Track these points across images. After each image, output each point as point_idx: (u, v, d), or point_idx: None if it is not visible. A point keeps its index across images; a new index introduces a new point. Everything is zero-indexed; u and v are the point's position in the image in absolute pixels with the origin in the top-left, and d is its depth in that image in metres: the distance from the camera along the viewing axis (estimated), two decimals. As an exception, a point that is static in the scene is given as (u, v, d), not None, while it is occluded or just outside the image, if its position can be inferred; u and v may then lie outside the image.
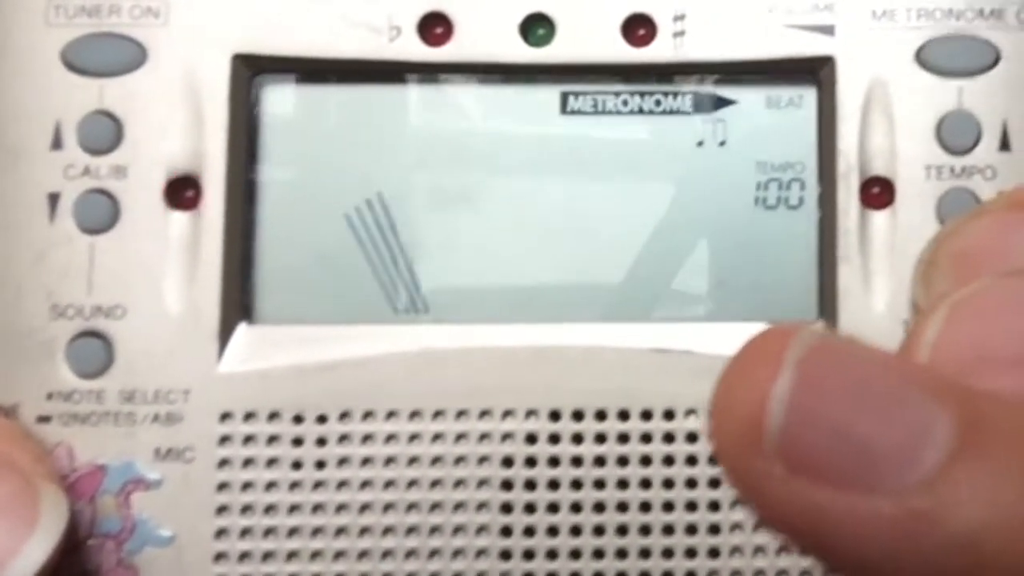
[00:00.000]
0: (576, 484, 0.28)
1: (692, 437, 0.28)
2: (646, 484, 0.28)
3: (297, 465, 0.28)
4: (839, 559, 0.17)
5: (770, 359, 0.17)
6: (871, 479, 0.17)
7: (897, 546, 0.17)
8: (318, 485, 0.28)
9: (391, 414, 0.28)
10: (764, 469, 0.17)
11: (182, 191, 0.29)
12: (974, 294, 0.19)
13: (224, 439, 0.28)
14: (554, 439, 0.28)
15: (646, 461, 0.28)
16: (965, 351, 0.19)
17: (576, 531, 0.28)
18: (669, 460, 0.28)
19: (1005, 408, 0.18)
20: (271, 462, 0.28)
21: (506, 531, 0.28)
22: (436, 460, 0.28)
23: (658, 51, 0.29)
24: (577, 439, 0.28)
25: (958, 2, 0.29)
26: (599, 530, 0.28)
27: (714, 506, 0.28)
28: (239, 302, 0.29)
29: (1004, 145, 0.28)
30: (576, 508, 0.28)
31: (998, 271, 0.20)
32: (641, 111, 0.29)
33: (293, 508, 0.28)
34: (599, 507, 0.28)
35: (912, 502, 0.17)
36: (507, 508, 0.28)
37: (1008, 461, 0.17)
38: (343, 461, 0.28)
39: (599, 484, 0.28)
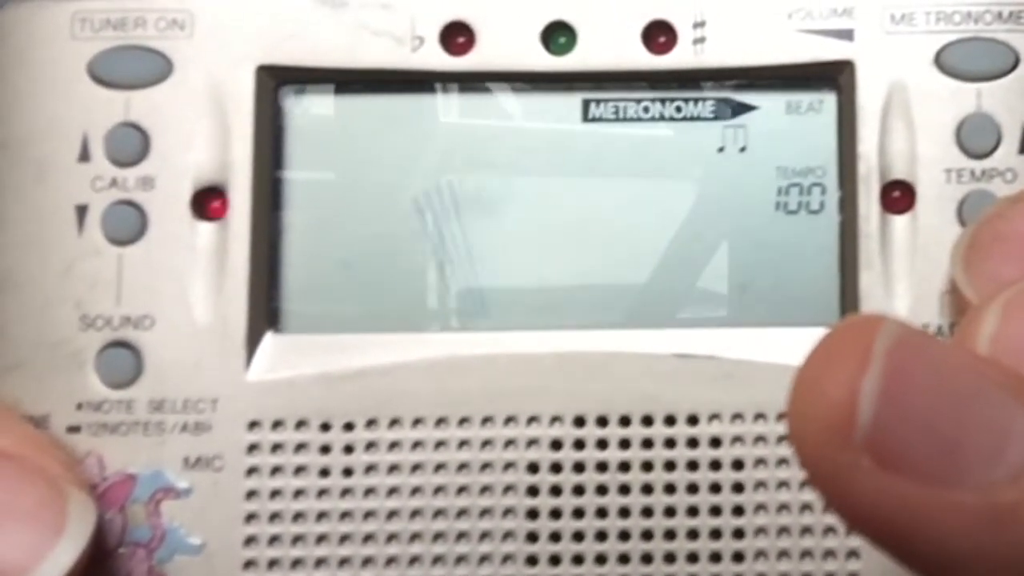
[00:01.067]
0: (601, 489, 0.28)
1: (716, 441, 0.28)
2: (670, 489, 0.28)
3: (325, 472, 0.28)
4: (922, 554, 0.17)
5: (857, 350, 0.17)
6: (957, 473, 0.17)
7: (981, 540, 0.17)
8: (345, 492, 0.28)
9: (417, 421, 0.28)
10: (851, 462, 0.17)
11: (209, 201, 0.29)
12: None
13: (252, 447, 0.28)
14: (579, 445, 0.28)
15: (670, 466, 0.28)
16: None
17: (602, 536, 0.28)
18: (693, 465, 0.28)
19: None
20: (299, 470, 0.28)
21: (532, 537, 0.28)
22: (462, 466, 0.28)
23: (679, 58, 0.29)
24: (602, 444, 0.28)
25: (977, 5, 0.29)
26: (624, 535, 0.28)
27: (738, 510, 0.28)
28: (266, 311, 0.29)
29: None
30: (601, 513, 0.28)
31: None
32: (662, 117, 0.30)
33: (321, 515, 0.28)
34: (624, 512, 0.28)
35: (997, 497, 0.17)
36: (533, 514, 0.28)
37: None
38: (370, 468, 0.28)
39: (624, 489, 0.28)
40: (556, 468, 0.28)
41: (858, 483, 0.17)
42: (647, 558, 0.28)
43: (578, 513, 0.28)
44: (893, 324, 0.18)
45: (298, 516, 0.28)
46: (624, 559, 0.28)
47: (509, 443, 0.28)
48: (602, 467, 0.28)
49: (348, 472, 0.28)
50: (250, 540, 0.28)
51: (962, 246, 0.22)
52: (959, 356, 0.18)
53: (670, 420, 0.28)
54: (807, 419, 0.17)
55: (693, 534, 0.28)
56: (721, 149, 0.29)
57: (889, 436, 0.17)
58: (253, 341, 0.29)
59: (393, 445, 0.28)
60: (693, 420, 0.28)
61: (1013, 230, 0.21)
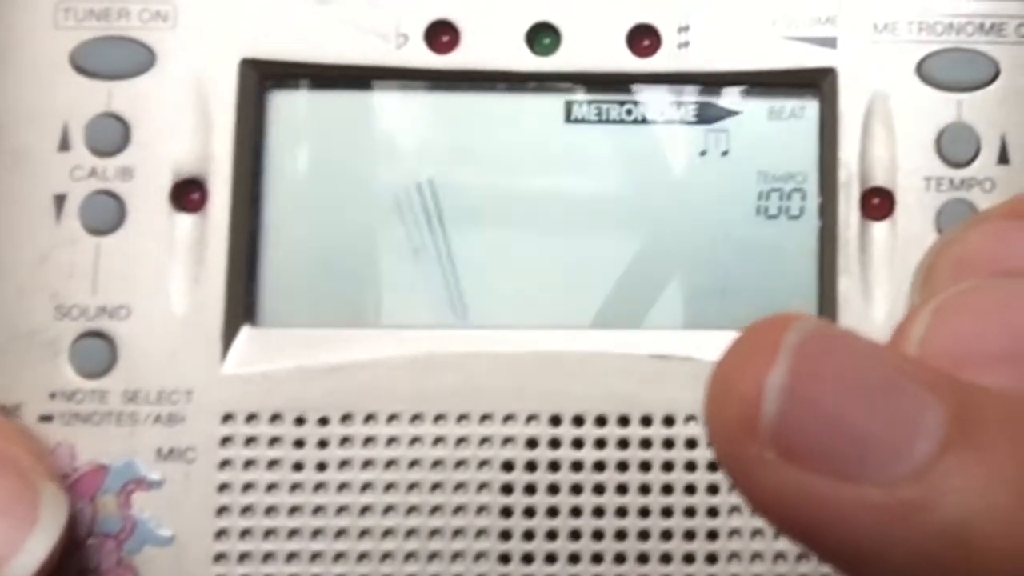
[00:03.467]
0: (576, 488, 0.28)
1: (691, 443, 0.28)
2: (645, 489, 0.28)
3: (298, 467, 0.28)
4: (829, 547, 0.18)
5: (767, 346, 0.17)
6: (863, 468, 0.17)
7: (886, 535, 0.17)
8: (319, 487, 0.28)
9: (392, 417, 0.28)
10: (757, 455, 0.17)
11: (188, 193, 0.29)
12: (961, 292, 0.20)
13: (226, 440, 0.28)
14: (554, 444, 0.28)
15: (645, 466, 0.28)
16: (953, 347, 0.19)
17: (575, 535, 0.28)
18: (668, 466, 0.28)
19: (996, 400, 0.18)
20: (272, 463, 0.28)
21: (505, 534, 0.28)
22: (437, 463, 0.28)
23: (662, 61, 0.29)
24: (577, 444, 0.28)
25: (959, 16, 0.29)
26: (598, 534, 0.28)
27: (712, 512, 0.28)
28: (243, 304, 0.29)
29: (1003, 158, 0.28)
30: (575, 512, 0.28)
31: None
32: (644, 120, 0.30)
33: (294, 509, 0.28)
34: (598, 511, 0.28)
35: (903, 491, 0.17)
36: (507, 512, 0.28)
37: (998, 452, 0.17)
38: (344, 463, 0.28)
39: (599, 489, 0.28)
40: (531, 467, 0.28)
41: (764, 476, 0.17)
42: (620, 558, 0.28)
43: (552, 512, 0.28)
44: (806, 321, 0.18)
45: (270, 510, 0.28)
46: (597, 558, 0.28)
47: (484, 441, 0.28)
48: (577, 466, 0.28)
49: (322, 467, 0.28)
50: (221, 533, 0.28)
51: (921, 270, 0.22)
52: (874, 351, 0.18)
53: (646, 421, 0.28)
54: (718, 413, 0.18)
55: (667, 535, 0.28)
56: (703, 153, 0.30)
57: (793, 430, 0.17)
58: (229, 334, 0.28)
59: (368, 440, 0.28)
60: (669, 421, 0.28)
61: (970, 254, 0.21)
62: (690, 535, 0.28)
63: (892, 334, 0.20)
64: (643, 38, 0.29)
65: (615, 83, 0.30)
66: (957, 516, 0.17)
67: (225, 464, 0.28)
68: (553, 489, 0.28)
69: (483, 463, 0.28)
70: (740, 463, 0.18)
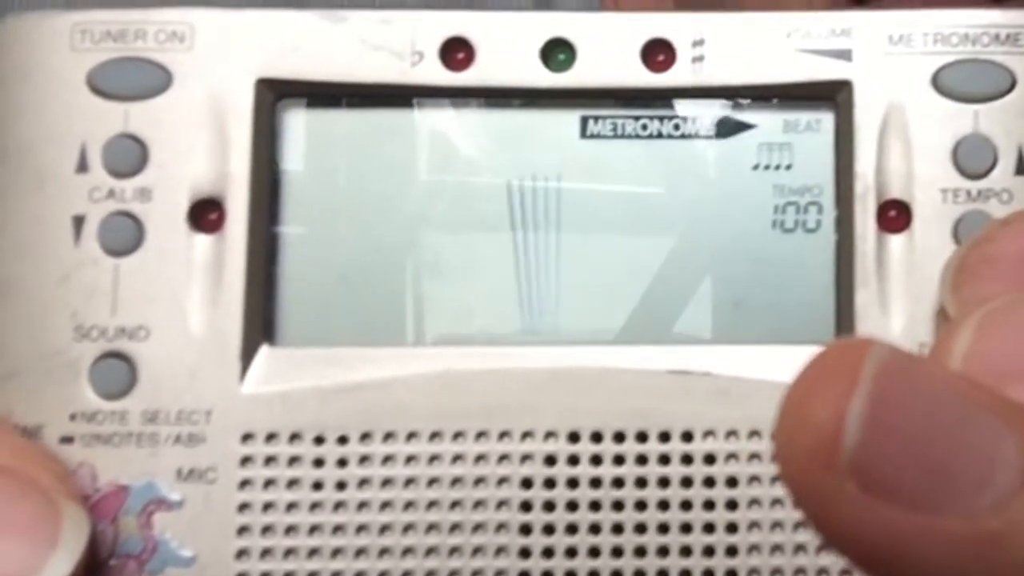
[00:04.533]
0: (595, 505, 0.28)
1: (710, 458, 0.28)
2: (664, 506, 0.28)
3: (318, 486, 0.28)
4: None
5: (845, 373, 0.17)
6: (944, 499, 0.17)
7: (965, 567, 0.17)
8: (339, 506, 0.28)
9: (411, 435, 0.28)
10: (836, 486, 0.17)
11: (206, 214, 0.29)
12: (1003, 307, 0.19)
13: (246, 460, 0.28)
14: (573, 460, 0.28)
15: (664, 483, 0.28)
16: (997, 364, 0.19)
17: (595, 552, 0.28)
18: (687, 481, 0.28)
19: None
20: (292, 483, 0.28)
21: (525, 552, 0.28)
22: (456, 481, 0.28)
23: (677, 76, 0.29)
24: (596, 460, 0.28)
25: (974, 27, 0.29)
26: (617, 551, 0.28)
27: (732, 527, 0.28)
28: (261, 324, 0.29)
29: (1020, 169, 0.28)
30: (595, 529, 0.28)
31: (1017, 281, 0.20)
32: (660, 135, 0.30)
33: (314, 529, 0.28)
34: (617, 528, 0.28)
35: (984, 523, 0.17)
36: (526, 529, 0.28)
37: None
38: (364, 482, 0.28)
39: (617, 505, 0.28)
40: (550, 483, 0.28)
41: (842, 507, 0.17)
42: (640, 574, 0.28)
43: (571, 529, 0.28)
44: (882, 347, 0.18)
45: (290, 529, 0.28)
46: (617, 575, 0.28)
47: (503, 458, 0.28)
48: (596, 483, 0.28)
49: (341, 485, 0.28)
50: (242, 553, 0.28)
51: (951, 268, 0.22)
52: (948, 380, 0.18)
53: (664, 436, 0.28)
54: (793, 441, 0.17)
55: (687, 551, 0.28)
56: (719, 167, 0.29)
57: (875, 461, 0.17)
58: (248, 354, 0.29)
59: (387, 459, 0.28)
60: (688, 437, 0.28)
61: (1001, 252, 0.21)
62: (709, 551, 0.28)
63: (932, 348, 0.20)
64: (658, 53, 0.29)
65: (630, 98, 0.30)
66: None
67: (245, 484, 0.28)
68: (572, 506, 0.28)
69: (502, 480, 0.28)
70: (816, 494, 0.17)
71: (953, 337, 0.19)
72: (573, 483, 0.28)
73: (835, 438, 0.17)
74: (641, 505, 0.28)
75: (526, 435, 0.28)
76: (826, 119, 0.29)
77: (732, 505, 0.28)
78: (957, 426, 0.17)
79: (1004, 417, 0.17)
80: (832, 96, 0.29)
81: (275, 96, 0.30)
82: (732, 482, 0.28)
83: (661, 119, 0.30)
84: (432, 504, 0.28)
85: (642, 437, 0.28)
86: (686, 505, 0.28)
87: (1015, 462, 0.17)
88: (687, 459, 0.28)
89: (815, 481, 0.17)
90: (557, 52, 0.29)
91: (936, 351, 0.19)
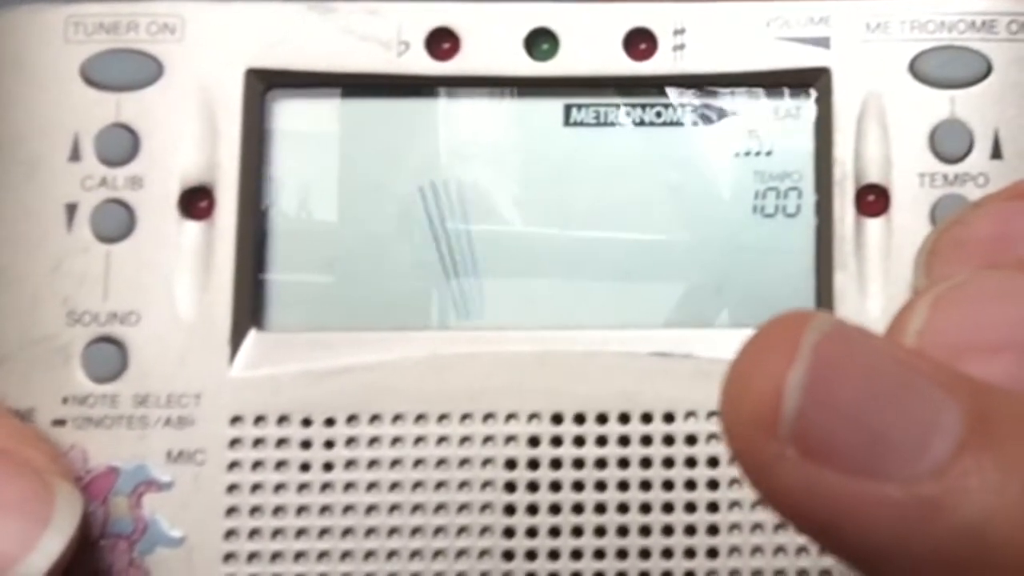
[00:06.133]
0: (578, 486, 0.28)
1: (691, 439, 0.28)
2: (646, 486, 0.28)
3: (305, 467, 0.28)
4: (847, 544, 0.18)
5: (787, 344, 0.18)
6: (882, 465, 0.17)
7: (904, 532, 0.17)
8: (325, 487, 0.28)
9: (397, 417, 0.28)
10: (777, 452, 0.17)
11: (196, 201, 0.29)
12: (957, 285, 0.20)
13: (234, 442, 0.28)
14: (556, 442, 0.28)
15: (646, 463, 0.28)
16: (950, 338, 0.19)
17: (577, 532, 0.28)
18: (669, 462, 0.28)
19: (1009, 399, 0.18)
20: (280, 464, 0.28)
21: (509, 532, 0.28)
22: (441, 462, 0.28)
23: (659, 64, 0.30)
24: (579, 442, 0.28)
25: (950, 14, 0.29)
26: (600, 531, 0.28)
27: (712, 507, 0.28)
28: (250, 309, 0.29)
29: (996, 153, 0.29)
30: (578, 509, 0.28)
31: (995, 259, 0.21)
32: (642, 122, 0.30)
33: (301, 509, 0.28)
34: (600, 508, 0.28)
35: (921, 489, 0.17)
36: (510, 509, 0.28)
37: (1016, 451, 0.17)
38: (350, 463, 0.28)
39: (600, 486, 0.28)
40: (533, 464, 0.28)
41: (784, 474, 0.17)
42: (622, 553, 0.28)
43: (554, 509, 0.28)
44: (824, 318, 0.18)
45: (278, 510, 0.28)
46: (600, 554, 0.28)
47: (487, 439, 0.28)
48: (579, 464, 0.28)
49: (328, 467, 0.28)
50: (230, 533, 0.28)
51: (924, 251, 0.22)
52: (890, 349, 0.18)
53: (647, 417, 0.28)
54: (736, 410, 0.18)
55: (668, 530, 0.28)
56: (700, 153, 0.30)
57: (813, 427, 0.17)
58: (237, 338, 0.29)
59: (373, 441, 0.28)
60: (669, 418, 0.28)
61: (972, 235, 0.22)
62: (691, 530, 0.28)
63: (889, 325, 0.20)
64: (639, 42, 0.30)
65: (613, 87, 0.30)
66: (974, 514, 0.17)
67: (234, 465, 0.28)
68: (555, 486, 0.28)
69: (486, 461, 0.28)
70: (758, 461, 0.18)
71: (908, 314, 0.19)
72: (556, 464, 0.28)
73: (775, 406, 0.17)
74: (623, 485, 0.28)
75: (510, 417, 0.28)
76: (805, 106, 0.30)
77: (713, 485, 0.28)
78: (897, 394, 0.17)
79: (945, 386, 0.18)
80: (811, 83, 0.30)
81: (264, 86, 0.30)
82: (713, 462, 0.28)
83: (643, 107, 0.30)
84: (417, 485, 0.28)
85: (624, 418, 0.28)
86: (668, 485, 0.28)
87: (954, 429, 0.17)
88: (669, 440, 0.28)
89: (757, 448, 0.17)
90: (541, 41, 0.30)
91: (892, 327, 0.20)
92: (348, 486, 0.28)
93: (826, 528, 0.18)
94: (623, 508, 0.28)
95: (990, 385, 0.18)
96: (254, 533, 0.28)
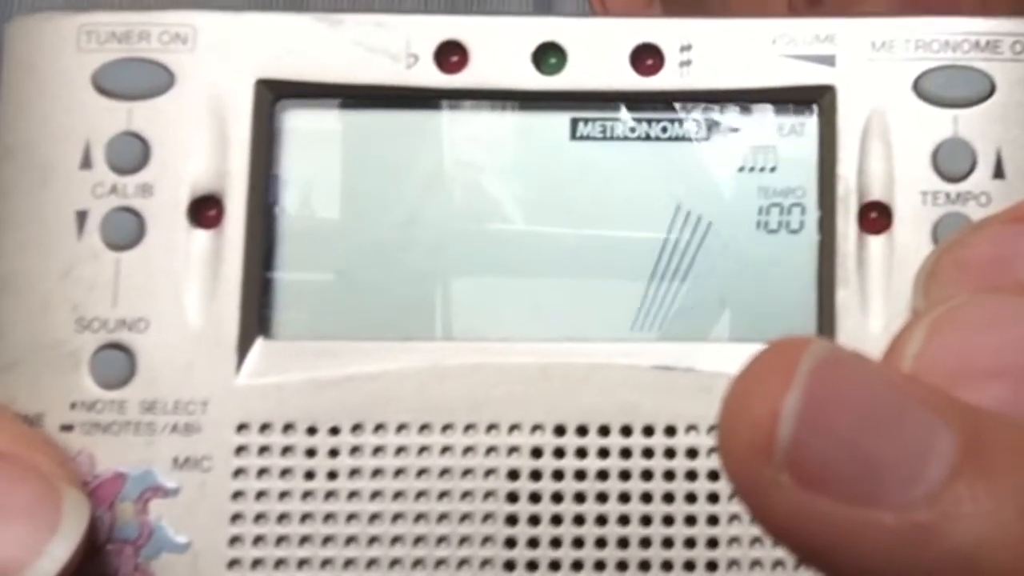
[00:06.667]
0: (579, 497, 0.28)
1: (692, 452, 0.28)
2: (647, 498, 0.28)
3: (310, 475, 0.29)
4: (841, 570, 0.18)
5: (782, 370, 0.18)
6: (876, 492, 0.17)
7: (898, 559, 0.17)
8: (330, 495, 0.29)
9: (401, 427, 0.29)
10: (771, 479, 0.18)
11: (205, 210, 0.30)
12: (954, 308, 0.20)
13: (240, 449, 0.29)
14: (559, 453, 0.29)
15: (647, 475, 0.28)
16: (946, 364, 0.19)
17: (579, 543, 0.28)
18: (670, 475, 0.28)
19: (1004, 426, 0.18)
20: (285, 472, 0.29)
21: (511, 542, 0.28)
22: (444, 472, 0.29)
23: (665, 80, 0.30)
24: (581, 453, 0.29)
25: (955, 34, 0.29)
26: (601, 542, 0.28)
27: (712, 520, 0.28)
28: (257, 317, 0.30)
29: (998, 173, 0.29)
30: (579, 520, 0.28)
31: (993, 281, 0.21)
32: (648, 137, 0.30)
33: (305, 517, 0.29)
34: (601, 520, 0.28)
35: (914, 516, 0.17)
36: (512, 520, 0.28)
37: (1009, 478, 0.17)
38: (354, 472, 0.29)
39: (601, 497, 0.28)
40: (536, 475, 0.29)
41: (778, 500, 0.18)
42: (622, 565, 0.28)
43: (556, 520, 0.28)
44: (820, 344, 0.18)
45: (283, 517, 0.29)
46: (600, 566, 0.28)
47: (490, 450, 0.29)
48: (580, 475, 0.28)
49: (332, 475, 0.29)
50: (235, 540, 0.29)
51: (923, 272, 0.22)
52: (885, 374, 0.18)
53: (648, 431, 0.29)
54: (732, 435, 0.18)
55: (668, 543, 0.28)
56: (705, 168, 0.30)
57: (808, 454, 0.17)
58: (244, 346, 0.29)
59: (377, 450, 0.29)
60: (671, 431, 0.28)
61: (971, 256, 0.22)
62: (691, 543, 0.28)
63: (886, 348, 0.20)
64: (646, 57, 0.30)
65: (619, 101, 0.30)
66: (968, 541, 0.17)
67: (239, 473, 0.29)
68: (557, 497, 0.28)
69: (489, 472, 0.29)
70: (754, 487, 0.18)
71: (906, 338, 0.19)
72: (559, 475, 0.29)
73: (770, 433, 0.17)
74: (624, 497, 0.28)
75: (513, 428, 0.29)
76: (810, 123, 0.30)
77: (713, 498, 0.28)
78: (891, 420, 0.18)
79: (940, 411, 0.18)
80: (816, 100, 0.30)
81: (274, 96, 0.30)
82: (714, 475, 0.28)
83: (649, 122, 0.30)
84: (420, 494, 0.28)
85: (626, 431, 0.29)
86: (668, 498, 0.28)
87: (947, 455, 0.17)
88: (670, 453, 0.28)
89: (752, 474, 0.18)
90: (549, 56, 0.30)
91: (889, 351, 0.20)
92: (352, 494, 0.29)
93: (819, 553, 0.18)
94: (624, 520, 0.28)
95: (985, 411, 0.18)
96: (258, 540, 0.29)
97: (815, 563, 0.18)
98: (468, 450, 0.29)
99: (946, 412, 0.18)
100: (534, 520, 0.28)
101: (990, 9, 0.30)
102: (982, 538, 0.17)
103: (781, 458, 0.17)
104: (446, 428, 0.29)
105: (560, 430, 0.29)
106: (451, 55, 0.30)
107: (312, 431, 0.29)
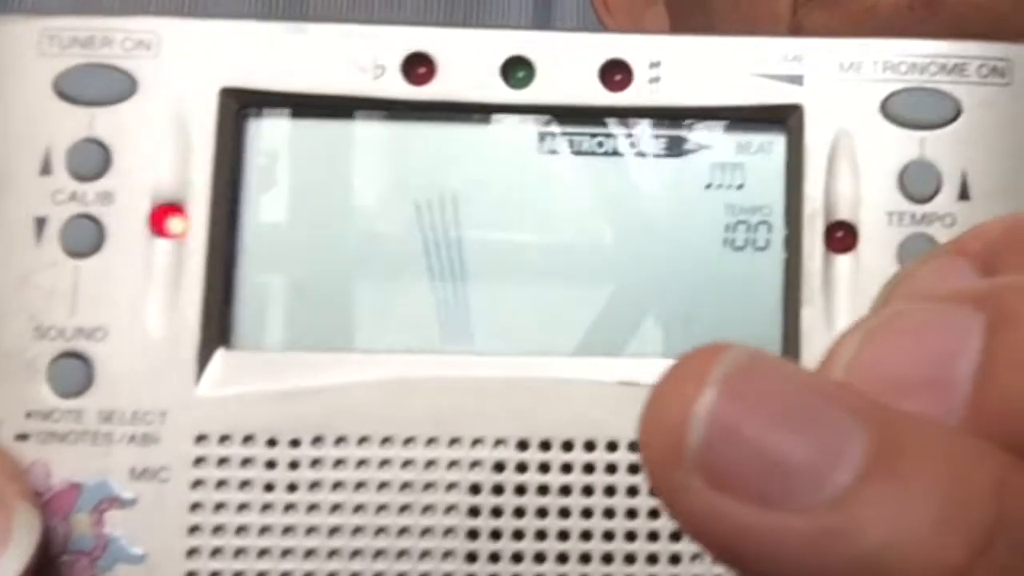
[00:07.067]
0: (541, 512, 0.28)
1: (656, 469, 0.28)
2: (609, 513, 0.28)
3: (269, 487, 0.28)
4: (753, 572, 0.18)
5: (696, 375, 0.18)
6: (784, 495, 0.17)
7: (806, 562, 0.17)
8: (289, 507, 0.28)
9: (363, 440, 0.28)
10: (684, 482, 0.18)
11: (166, 218, 0.29)
12: (890, 316, 0.20)
13: (199, 460, 0.28)
14: (521, 468, 0.28)
15: (610, 491, 0.28)
16: (878, 371, 0.19)
17: (540, 558, 0.28)
18: (633, 490, 0.28)
19: (918, 429, 0.18)
20: (244, 484, 0.28)
21: (472, 557, 0.28)
22: (405, 486, 0.28)
23: (634, 96, 0.30)
24: (544, 468, 0.28)
25: (922, 56, 0.30)
26: (563, 558, 0.28)
27: (675, 536, 0.28)
28: (218, 328, 0.29)
29: (963, 195, 0.29)
30: (541, 535, 0.28)
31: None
32: (615, 152, 0.30)
33: (264, 529, 0.28)
34: (563, 535, 0.28)
35: (822, 519, 0.17)
36: (473, 534, 0.28)
37: (920, 481, 0.17)
38: (315, 485, 0.28)
39: (564, 512, 0.28)
40: (498, 490, 0.28)
41: (691, 502, 0.18)
42: None
43: (518, 535, 0.28)
44: (738, 351, 0.18)
45: (241, 529, 0.28)
46: None
47: (452, 464, 0.28)
48: (543, 490, 0.28)
49: (292, 488, 0.28)
50: (192, 552, 0.28)
51: (876, 302, 0.23)
52: (805, 379, 0.18)
53: (612, 446, 0.28)
54: (649, 439, 0.18)
55: (630, 558, 0.28)
56: (672, 185, 0.30)
57: (718, 457, 0.18)
58: (204, 356, 0.29)
59: (338, 463, 0.28)
60: (634, 447, 0.28)
61: (917, 288, 0.22)
62: (653, 559, 0.28)
63: (822, 358, 0.20)
64: (615, 73, 0.30)
65: (587, 116, 0.30)
66: (875, 545, 0.17)
67: (198, 484, 0.28)
68: (519, 512, 0.28)
69: (451, 486, 0.28)
70: (668, 489, 0.18)
71: (841, 346, 0.20)
72: (521, 490, 0.28)
73: (681, 436, 0.18)
74: (587, 512, 0.28)
75: (476, 442, 0.28)
76: (777, 141, 0.30)
77: None
78: (801, 423, 0.18)
79: (855, 414, 0.18)
80: (784, 119, 0.30)
81: (238, 105, 0.30)
82: None
83: (616, 137, 0.30)
84: (381, 508, 0.28)
85: (590, 446, 0.28)
86: (632, 514, 0.28)
87: (858, 459, 0.17)
88: (633, 468, 0.28)
89: (667, 477, 0.18)
90: (517, 69, 0.30)
91: (825, 360, 0.20)
92: (312, 507, 0.28)
93: (734, 556, 0.18)
94: (586, 535, 0.28)
95: (904, 414, 0.18)
96: (216, 552, 0.28)
97: (729, 564, 0.18)
98: (430, 464, 0.28)
99: (860, 414, 0.18)
100: (496, 535, 0.28)
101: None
102: (888, 542, 0.17)
103: (691, 461, 0.18)
104: (408, 441, 0.28)
105: (523, 444, 0.28)
106: (418, 67, 0.30)
107: (272, 443, 0.28)
